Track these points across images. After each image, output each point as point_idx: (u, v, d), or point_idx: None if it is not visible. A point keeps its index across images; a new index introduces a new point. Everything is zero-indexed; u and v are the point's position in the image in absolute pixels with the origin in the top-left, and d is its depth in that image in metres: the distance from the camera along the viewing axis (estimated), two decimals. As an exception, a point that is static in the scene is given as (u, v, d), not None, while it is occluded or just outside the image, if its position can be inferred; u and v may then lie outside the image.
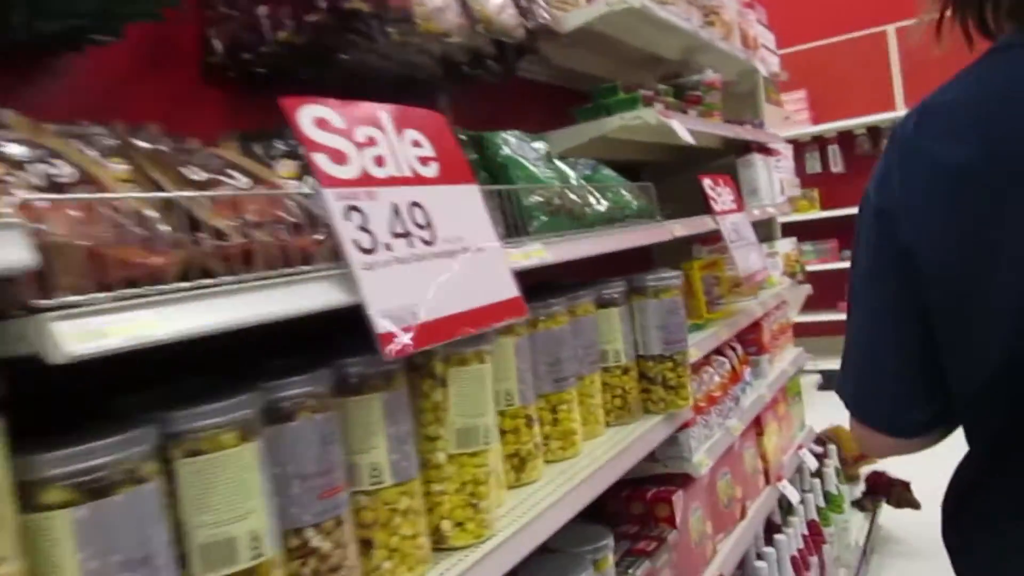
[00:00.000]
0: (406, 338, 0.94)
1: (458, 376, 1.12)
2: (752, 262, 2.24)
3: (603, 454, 1.54)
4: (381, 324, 0.91)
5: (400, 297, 0.96)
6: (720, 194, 2.27)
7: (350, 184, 0.96)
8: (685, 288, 2.29)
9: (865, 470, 3.54)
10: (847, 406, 1.03)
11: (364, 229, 0.95)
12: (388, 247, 0.97)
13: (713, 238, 2.62)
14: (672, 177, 2.94)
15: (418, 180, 1.08)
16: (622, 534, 1.81)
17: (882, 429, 1.00)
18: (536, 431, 1.43)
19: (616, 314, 1.72)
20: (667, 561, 1.72)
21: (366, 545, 1.03)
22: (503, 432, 1.39)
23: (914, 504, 3.43)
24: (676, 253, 2.62)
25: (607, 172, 1.80)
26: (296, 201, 0.95)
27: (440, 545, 1.13)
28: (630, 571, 1.62)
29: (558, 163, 1.63)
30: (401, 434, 1.05)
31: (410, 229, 1.02)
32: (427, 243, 1.04)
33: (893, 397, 0.98)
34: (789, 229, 6.45)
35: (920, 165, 0.88)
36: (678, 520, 1.87)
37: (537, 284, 1.68)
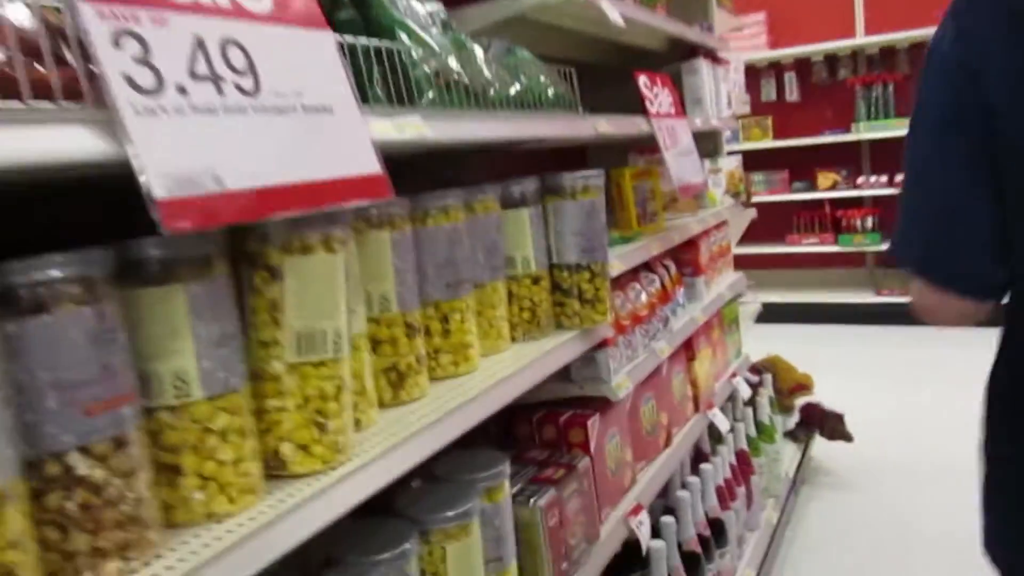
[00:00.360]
0: (201, 210, 0.72)
1: (298, 267, 0.91)
2: (688, 172, 2.04)
3: (501, 371, 1.35)
4: (160, 187, 0.69)
5: (196, 156, 0.73)
6: (657, 95, 2.06)
7: (124, 2, 0.72)
8: (616, 197, 2.10)
9: (800, 401, 3.46)
10: (913, 269, 1.02)
11: (145, 63, 0.72)
12: (182, 90, 0.74)
13: (651, 148, 2.42)
14: (609, 86, 2.71)
15: (239, 13, 0.84)
16: (530, 460, 1.64)
17: (957, 290, 0.99)
18: (419, 342, 1.23)
19: (526, 215, 1.51)
20: (576, 490, 1.57)
21: (172, 472, 0.83)
22: (378, 342, 1.19)
23: (847, 437, 3.38)
24: (615, 165, 2.41)
25: (523, 54, 1.57)
26: (53, 27, 0.71)
27: (279, 472, 0.94)
28: (532, 500, 1.46)
29: (460, 35, 1.38)
30: (217, 336, 0.84)
31: (221, 72, 0.79)
32: (246, 93, 0.81)
33: (971, 256, 0.97)
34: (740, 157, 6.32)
35: (1011, 25, 0.87)
36: (592, 446, 1.71)
37: (444, 182, 1.45)
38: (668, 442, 2.14)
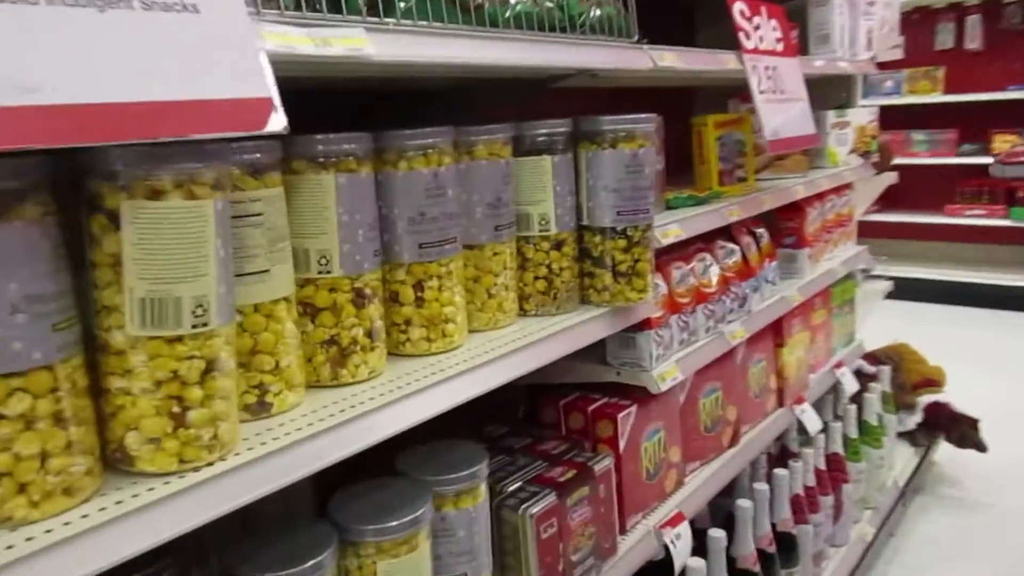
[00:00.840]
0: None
1: (142, 215, 0.70)
2: (785, 122, 1.68)
3: (490, 351, 1.11)
4: None
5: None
6: (758, 27, 1.69)
7: None
8: (696, 149, 1.77)
9: (925, 399, 2.99)
10: None
11: None
12: (-86, -38, 0.54)
13: (758, 94, 2.04)
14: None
15: None
16: (541, 453, 1.40)
17: None
18: (372, 313, 1.01)
19: (548, 164, 1.24)
20: (587, 496, 1.32)
21: (-45, 462, 0.66)
22: (317, 309, 0.98)
23: (979, 446, 2.89)
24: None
25: (567, -35, 1.27)
26: None
27: (128, 467, 0.76)
28: (524, 506, 1.22)
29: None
30: (13, 298, 0.65)
31: (-2, -56, 0.58)
32: (39, -25, 0.60)
33: None
34: (900, 112, 5.58)
35: None
36: (622, 444, 1.45)
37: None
38: (734, 440, 1.83)
